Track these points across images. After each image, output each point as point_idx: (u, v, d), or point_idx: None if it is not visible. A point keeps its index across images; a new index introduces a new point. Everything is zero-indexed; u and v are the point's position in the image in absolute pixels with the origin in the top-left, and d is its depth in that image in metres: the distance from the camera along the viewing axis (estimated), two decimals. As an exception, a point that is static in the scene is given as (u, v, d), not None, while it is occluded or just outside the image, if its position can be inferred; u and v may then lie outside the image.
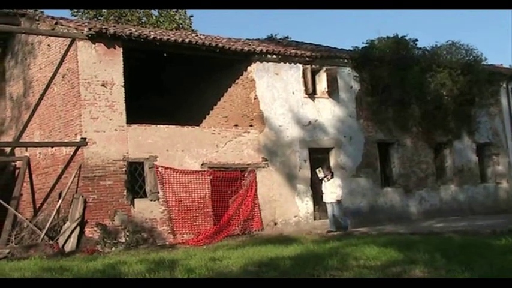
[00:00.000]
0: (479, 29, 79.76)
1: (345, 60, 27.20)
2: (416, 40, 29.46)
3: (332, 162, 26.14)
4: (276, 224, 24.08)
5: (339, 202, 22.95)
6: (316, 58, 26.14)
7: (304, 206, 24.98)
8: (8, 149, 25.19)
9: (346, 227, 22.97)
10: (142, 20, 38.98)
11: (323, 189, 23.35)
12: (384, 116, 27.78)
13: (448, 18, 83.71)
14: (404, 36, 29.03)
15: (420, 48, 29.76)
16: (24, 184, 23.62)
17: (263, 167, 24.19)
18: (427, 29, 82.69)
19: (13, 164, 24.74)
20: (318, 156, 25.69)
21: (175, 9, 40.63)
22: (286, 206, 24.50)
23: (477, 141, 31.30)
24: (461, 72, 29.37)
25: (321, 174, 25.23)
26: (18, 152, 24.70)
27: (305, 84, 25.55)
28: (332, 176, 23.28)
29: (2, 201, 22.11)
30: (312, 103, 25.77)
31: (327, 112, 26.11)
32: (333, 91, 26.28)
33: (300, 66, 25.71)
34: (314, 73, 26.02)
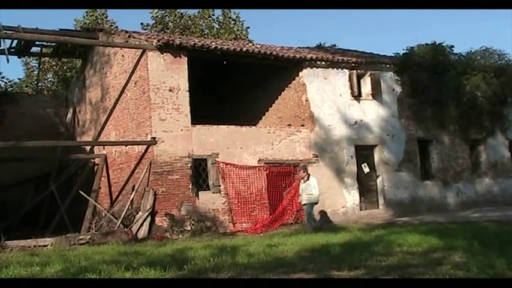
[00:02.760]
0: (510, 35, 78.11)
1: (388, 65, 26.90)
2: (453, 46, 29.01)
3: (376, 158, 25.88)
4: (325, 214, 23.87)
5: (315, 203, 20.42)
6: (361, 64, 25.90)
7: (351, 197, 24.73)
8: (88, 148, 25.48)
9: (321, 227, 20.37)
10: (204, 32, 39.07)
11: (300, 190, 20.77)
12: (424, 115, 27.37)
13: (481, 25, 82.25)
14: (442, 43, 28.67)
15: (456, 54, 29.30)
16: (102, 178, 23.86)
17: (314, 163, 23.98)
18: (463, 36, 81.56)
19: (92, 161, 25.00)
20: (363, 153, 25.47)
21: (234, 22, 40.68)
22: (335, 198, 24.27)
23: (509, 137, 30.56)
24: (494, 75, 28.75)
25: (366, 169, 25.16)
26: (96, 150, 24.95)
27: (351, 87, 25.34)
28: (308, 178, 20.50)
29: (83, 194, 22.41)
30: (357, 104, 25.52)
31: (371, 112, 25.83)
32: (376, 93, 26.02)
33: (347, 71, 25.48)
34: (359, 77, 25.80)
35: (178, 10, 39.68)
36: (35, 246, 18.25)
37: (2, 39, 22.16)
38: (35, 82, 37.77)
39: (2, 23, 21.76)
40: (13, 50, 24.80)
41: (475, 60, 29.95)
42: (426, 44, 28.53)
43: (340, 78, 25.30)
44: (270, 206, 22.59)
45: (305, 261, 10.98)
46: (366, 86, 25.94)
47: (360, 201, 25.07)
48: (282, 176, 22.95)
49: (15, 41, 24.16)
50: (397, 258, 10.90)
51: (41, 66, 35.52)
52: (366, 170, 25.29)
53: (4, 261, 12.62)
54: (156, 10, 39.40)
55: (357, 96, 25.47)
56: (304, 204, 20.25)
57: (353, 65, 25.66)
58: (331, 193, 24.09)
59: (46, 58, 33.83)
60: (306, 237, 16.03)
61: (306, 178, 20.38)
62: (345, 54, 27.15)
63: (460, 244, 12.15)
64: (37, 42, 25.54)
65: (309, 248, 13.21)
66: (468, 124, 28.58)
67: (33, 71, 38.87)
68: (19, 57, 33.02)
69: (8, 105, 28.51)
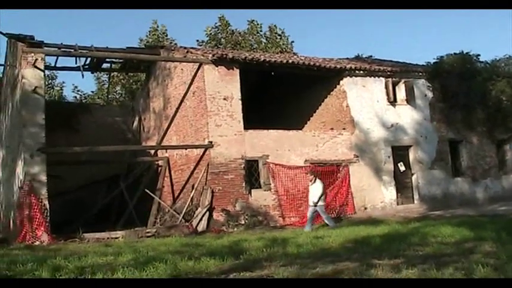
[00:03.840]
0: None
1: (420, 73, 26.64)
2: (479, 55, 28.59)
3: (411, 157, 25.62)
4: (365, 208, 23.71)
5: (315, 205, 18.70)
6: (396, 72, 25.71)
7: (389, 193, 24.52)
8: (152, 151, 25.75)
9: (331, 224, 18.88)
10: (253, 46, 39.15)
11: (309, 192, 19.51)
12: (453, 118, 26.99)
13: (506, 35, 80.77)
14: (469, 52, 28.27)
15: (482, 62, 28.85)
16: (165, 178, 24.02)
17: (354, 162, 23.87)
18: (488, 45, 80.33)
19: (156, 163, 25.21)
20: (399, 153, 25.24)
21: (280, 37, 40.67)
22: (374, 194, 24.11)
23: (533, 137, 29.92)
24: (518, 81, 28.24)
25: (402, 168, 24.95)
26: (160, 153, 25.18)
27: (387, 94, 25.17)
28: (315, 180, 19.09)
29: (149, 192, 22.64)
30: (393, 109, 25.30)
31: (406, 116, 25.58)
32: (410, 99, 25.80)
33: (383, 79, 25.30)
34: (394, 84, 25.58)
35: (229, 28, 39.90)
36: (108, 238, 18.56)
37: (77, 58, 22.59)
38: (106, 94, 38.30)
39: (76, 43, 22.20)
40: (87, 66, 25.20)
41: (499, 67, 29.48)
42: (455, 53, 28.17)
43: (377, 86, 25.13)
44: (316, 201, 22.50)
45: (349, 252, 10.92)
46: (401, 92, 25.76)
47: (397, 197, 24.84)
48: (326, 174, 22.76)
49: (89, 59, 24.57)
50: (433, 248, 10.77)
51: (110, 80, 36.02)
52: (402, 168, 25.11)
53: (83, 251, 12.82)
54: (210, 28, 39.68)
55: (393, 101, 25.30)
56: (315, 205, 18.74)
57: (388, 73, 25.48)
58: (370, 189, 23.99)
59: (115, 73, 34.30)
60: (349, 230, 15.96)
61: (313, 180, 19.12)
62: (381, 64, 26.96)
63: (489, 235, 12.00)
64: (107, 59, 25.93)
65: (351, 239, 13.14)
66: (494, 126, 28.10)
67: (104, 84, 39.43)
68: (92, 73, 33.37)
69: (82, 115, 29.03)
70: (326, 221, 18.96)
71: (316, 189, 18.83)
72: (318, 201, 18.64)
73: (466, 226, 14.24)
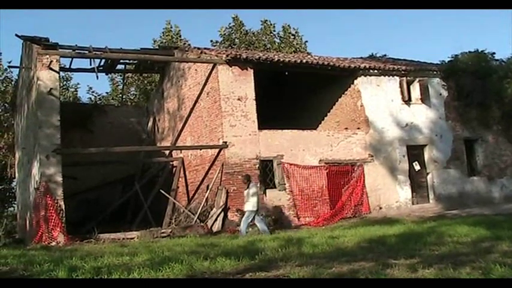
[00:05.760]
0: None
1: (435, 72, 26.50)
2: (494, 53, 28.35)
3: (426, 156, 25.51)
4: (380, 208, 23.62)
5: (253, 211, 17.95)
6: (410, 71, 25.60)
7: (404, 193, 24.41)
8: (167, 152, 25.81)
9: (266, 232, 17.74)
10: (267, 46, 39.13)
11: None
12: (469, 117, 26.80)
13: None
14: (483, 50, 28.06)
15: (497, 60, 28.56)
16: (180, 179, 24.10)
17: (369, 162, 23.80)
18: (504, 43, 79.80)
19: (171, 163, 25.28)
20: (414, 152, 25.13)
21: (293, 37, 40.62)
22: (389, 193, 24.02)
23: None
24: (533, 79, 27.97)
25: (417, 167, 24.88)
26: (174, 154, 25.25)
27: (402, 93, 25.08)
28: (249, 185, 18.29)
29: (164, 192, 22.70)
30: (408, 108, 25.20)
31: (420, 115, 25.47)
32: (425, 98, 25.68)
33: (397, 78, 25.21)
34: (409, 83, 25.51)
35: (243, 28, 39.92)
36: (123, 238, 18.62)
37: (92, 59, 22.69)
38: (120, 95, 38.49)
39: (91, 45, 22.30)
40: (101, 68, 25.35)
41: (515, 65, 29.23)
42: (470, 51, 27.97)
43: (391, 85, 25.05)
44: (330, 201, 22.48)
45: (364, 251, 10.87)
46: (415, 91, 25.66)
47: (412, 196, 24.73)
48: (341, 174, 22.83)
49: (103, 60, 24.68)
50: (449, 247, 10.71)
51: (125, 81, 36.20)
52: (417, 167, 25.01)
53: (99, 252, 12.86)
54: (223, 28, 39.73)
55: (407, 100, 25.20)
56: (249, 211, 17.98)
57: (403, 72, 25.37)
58: (385, 189, 23.92)
59: (129, 74, 34.43)
60: (364, 230, 15.90)
61: (247, 185, 18.34)
62: (395, 63, 26.85)
63: (506, 234, 11.90)
64: (121, 61, 26.08)
65: (367, 239, 13.08)
66: (510, 124, 27.80)
67: (118, 85, 39.61)
68: (106, 74, 33.71)
69: (97, 116, 29.23)
70: (241, 226, 17.99)
71: (251, 195, 18.08)
72: (251, 206, 17.94)
73: (482, 225, 14.15)
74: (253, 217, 18.07)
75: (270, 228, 18.44)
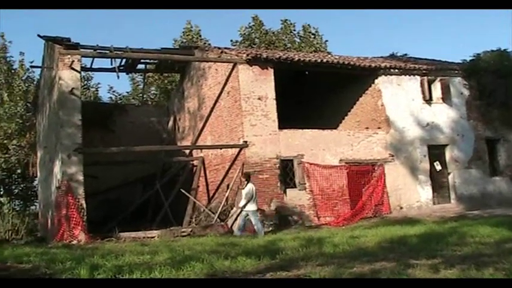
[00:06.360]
0: None
1: (456, 71, 26.31)
2: (517, 52, 28.02)
3: (447, 156, 25.33)
4: (401, 208, 23.52)
5: (242, 210, 18.40)
6: (431, 70, 25.45)
7: (425, 192, 24.28)
8: (187, 151, 25.88)
9: (260, 232, 17.91)
10: (287, 46, 39.06)
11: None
12: (491, 116, 26.61)
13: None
14: (506, 49, 27.82)
15: (520, 59, 28.29)
16: (200, 178, 24.14)
17: (390, 162, 23.71)
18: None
19: (191, 162, 25.32)
20: (435, 152, 24.96)
21: (314, 36, 40.50)
22: (410, 193, 23.90)
23: None
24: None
25: (438, 167, 24.72)
26: (195, 153, 25.30)
27: (423, 92, 24.96)
28: (247, 184, 18.51)
29: (184, 192, 22.77)
30: (429, 108, 25.05)
31: (442, 115, 25.31)
32: (446, 97, 25.51)
33: (418, 77, 25.09)
34: (430, 83, 25.36)
35: (263, 27, 39.88)
36: (144, 237, 18.69)
37: (113, 59, 22.81)
38: (141, 95, 38.61)
39: (112, 44, 22.42)
40: (122, 67, 25.44)
41: (538, 64, 28.92)
42: (492, 50, 27.75)
43: (412, 84, 24.93)
44: (351, 201, 22.40)
45: (385, 251, 10.82)
46: (437, 90, 25.48)
47: (433, 196, 24.57)
48: (361, 174, 22.77)
49: (124, 60, 24.80)
50: (471, 248, 10.61)
51: (145, 81, 36.28)
52: (438, 167, 24.84)
53: (120, 250, 12.92)
54: (243, 28, 39.71)
55: (428, 100, 25.06)
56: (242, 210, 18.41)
57: (424, 71, 25.24)
58: (406, 189, 23.81)
59: (150, 73, 34.52)
60: (385, 230, 15.82)
61: (244, 184, 18.64)
62: (416, 62, 26.70)
63: (530, 235, 11.77)
64: (142, 60, 26.14)
65: (388, 239, 13.01)
66: (533, 124, 27.58)
67: (139, 85, 39.72)
68: (127, 74, 33.77)
69: (118, 116, 29.40)
70: (255, 227, 18.20)
71: (244, 195, 18.27)
72: (245, 205, 18.09)
73: (505, 226, 14.00)
74: (246, 216, 18.22)
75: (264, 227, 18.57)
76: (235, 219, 20.26)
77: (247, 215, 18.28)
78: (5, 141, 30.44)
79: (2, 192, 31.83)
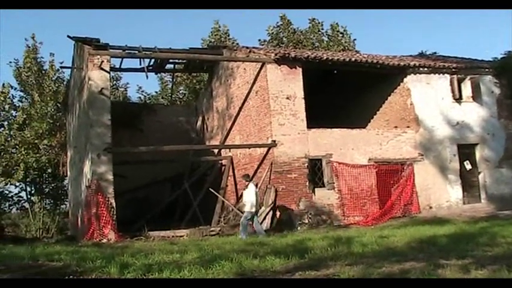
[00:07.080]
0: None
1: (486, 70, 25.99)
2: (549, 50, 27.54)
3: (478, 155, 25.05)
4: (431, 207, 23.32)
5: (251, 212, 18.01)
6: (461, 69, 25.19)
7: (455, 192, 24.03)
8: (216, 151, 25.98)
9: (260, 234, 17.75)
10: (315, 45, 38.96)
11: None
12: (522, 115, 26.17)
13: None
14: (538, 46, 27.35)
15: (552, 57, 27.82)
16: (229, 177, 24.22)
17: (419, 161, 23.52)
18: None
19: (220, 162, 25.39)
20: (465, 151, 24.71)
21: (342, 35, 40.33)
22: (439, 193, 23.69)
23: None
24: None
25: (468, 166, 24.44)
26: (223, 152, 25.39)
27: (452, 91, 24.70)
28: (248, 185, 18.51)
29: (213, 191, 22.85)
30: (458, 106, 24.80)
31: (472, 114, 25.02)
32: (476, 96, 25.22)
33: (448, 76, 24.83)
34: (460, 81, 25.05)
35: (291, 27, 39.83)
36: (172, 236, 18.83)
37: (141, 59, 22.98)
38: (169, 94, 38.83)
39: (140, 45, 22.60)
40: (151, 67, 25.58)
41: None
42: (523, 48, 27.41)
43: (441, 83, 24.69)
44: (380, 200, 22.30)
45: (415, 251, 10.78)
46: (466, 89, 25.20)
47: (463, 196, 24.31)
48: (390, 173, 22.64)
49: (153, 60, 24.95)
50: (503, 248, 10.51)
51: (174, 81, 36.49)
52: (468, 167, 24.57)
53: (149, 249, 13.04)
54: (271, 27, 39.70)
55: (458, 98, 24.80)
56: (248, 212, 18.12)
57: (453, 70, 24.99)
58: (436, 188, 23.61)
59: (178, 73, 34.71)
60: (414, 229, 15.76)
61: (247, 185, 18.60)
62: (446, 61, 26.45)
63: (562, 235, 11.61)
64: (171, 60, 26.31)
65: (417, 239, 12.95)
66: None
67: (167, 85, 39.98)
68: (155, 74, 33.99)
69: (146, 115, 29.62)
70: (255, 228, 18.16)
71: (247, 195, 18.27)
72: (249, 206, 17.98)
73: (537, 226, 13.86)
74: (252, 218, 18.14)
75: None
76: (264, 218, 20.30)
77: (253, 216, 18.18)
78: (36, 141, 30.82)
79: (33, 192, 32.28)
